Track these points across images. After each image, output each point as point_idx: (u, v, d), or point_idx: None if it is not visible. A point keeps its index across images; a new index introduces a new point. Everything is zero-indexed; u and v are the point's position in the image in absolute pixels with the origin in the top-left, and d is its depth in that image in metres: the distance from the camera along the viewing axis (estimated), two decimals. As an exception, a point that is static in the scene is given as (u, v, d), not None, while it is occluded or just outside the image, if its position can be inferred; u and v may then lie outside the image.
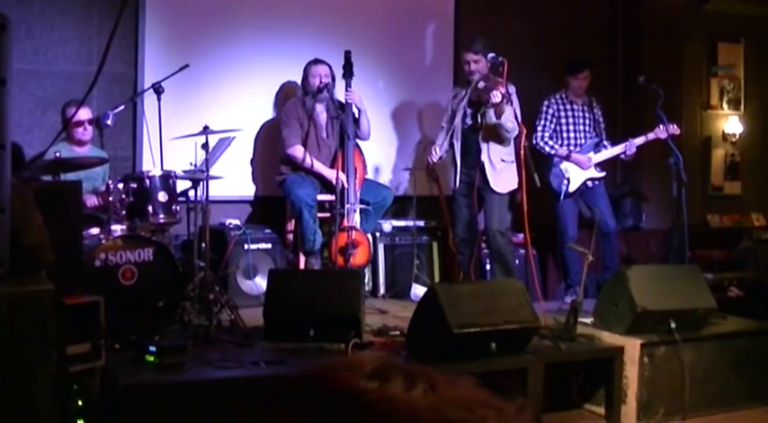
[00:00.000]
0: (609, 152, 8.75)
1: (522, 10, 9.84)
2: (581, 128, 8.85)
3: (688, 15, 10.73)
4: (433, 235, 9.11)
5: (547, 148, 8.73)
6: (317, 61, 8.24)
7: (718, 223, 10.89)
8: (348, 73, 8.04)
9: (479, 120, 7.91)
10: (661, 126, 8.48)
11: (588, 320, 6.79)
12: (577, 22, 10.20)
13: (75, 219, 5.61)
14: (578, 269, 7.33)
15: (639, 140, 8.60)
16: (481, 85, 7.75)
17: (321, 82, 8.10)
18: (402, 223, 9.08)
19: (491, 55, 7.73)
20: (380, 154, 9.28)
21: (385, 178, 9.17)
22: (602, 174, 8.78)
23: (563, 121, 8.83)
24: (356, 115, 8.24)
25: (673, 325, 6.38)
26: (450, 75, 9.53)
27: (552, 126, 8.82)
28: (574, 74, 8.85)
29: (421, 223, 9.06)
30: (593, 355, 6.47)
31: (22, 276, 3.89)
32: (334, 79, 8.19)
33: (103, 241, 6.33)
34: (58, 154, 6.39)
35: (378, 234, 8.80)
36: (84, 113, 7.37)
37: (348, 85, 8.06)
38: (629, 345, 6.35)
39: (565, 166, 8.69)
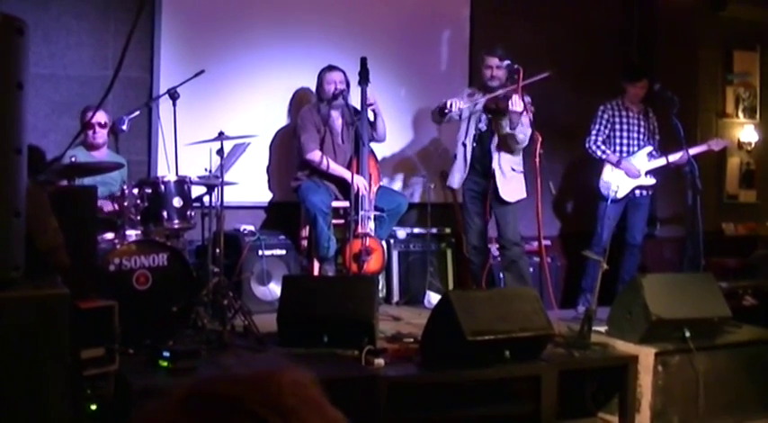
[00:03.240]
0: (661, 161, 8.75)
1: (537, 15, 9.83)
2: (634, 135, 8.90)
3: (703, 22, 10.70)
4: (447, 242, 9.11)
5: (599, 153, 8.79)
6: (331, 68, 8.24)
7: (732, 231, 10.85)
8: (364, 79, 8.02)
9: (493, 127, 7.91)
10: (716, 139, 8.73)
11: (602, 328, 6.78)
12: (593, 28, 10.19)
13: (89, 223, 5.62)
14: (595, 275, 7.33)
15: (693, 151, 8.62)
16: (500, 93, 7.74)
17: (336, 88, 8.10)
18: (416, 230, 9.07)
19: (506, 62, 7.74)
20: (395, 161, 9.28)
21: (399, 185, 9.16)
22: (653, 182, 8.81)
23: (617, 127, 8.87)
24: (372, 119, 8.24)
25: (687, 333, 6.37)
26: (465, 80, 9.51)
27: (606, 131, 8.86)
28: (632, 82, 8.91)
29: (435, 230, 9.06)
30: (607, 363, 6.45)
31: (38, 280, 3.90)
32: (348, 85, 8.20)
33: (118, 246, 6.34)
34: (73, 158, 6.40)
35: (392, 241, 8.80)
36: (97, 116, 7.38)
37: (364, 92, 8.05)
38: (643, 353, 6.33)
39: (615, 172, 8.71)
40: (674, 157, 8.65)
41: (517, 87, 7.54)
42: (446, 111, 7.74)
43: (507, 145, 7.87)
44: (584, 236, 8.84)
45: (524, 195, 8.03)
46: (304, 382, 1.21)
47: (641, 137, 8.91)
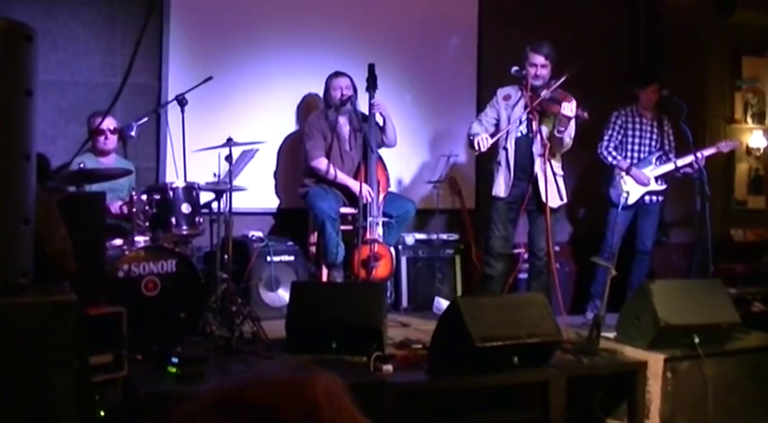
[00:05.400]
0: (669, 165, 8.73)
1: (544, 23, 9.80)
2: (646, 142, 8.89)
3: (711, 28, 10.69)
4: (455, 248, 9.07)
5: (609, 158, 8.78)
6: (338, 74, 8.25)
7: (741, 237, 10.81)
8: (372, 86, 8.02)
9: (534, 128, 7.73)
10: (725, 141, 8.89)
11: (611, 334, 6.77)
12: (600, 35, 10.17)
13: (98, 229, 5.62)
14: (604, 281, 7.30)
15: (702, 154, 8.60)
16: (546, 94, 7.56)
17: (343, 94, 8.10)
18: (425, 236, 9.06)
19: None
20: (403, 166, 9.27)
21: (408, 191, 9.14)
22: (663, 187, 8.79)
23: (629, 133, 8.87)
24: (381, 123, 8.23)
25: (696, 339, 6.35)
26: (473, 87, 9.52)
27: (618, 137, 8.85)
28: (642, 87, 8.88)
29: (444, 236, 9.04)
30: (616, 370, 6.43)
31: (46, 286, 3.90)
32: (356, 91, 8.19)
33: (126, 252, 6.34)
34: (82, 165, 6.41)
35: (400, 247, 8.78)
36: (107, 122, 7.39)
37: (371, 98, 8.04)
38: (651, 359, 6.31)
39: (625, 179, 8.70)
40: (682, 161, 8.64)
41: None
42: (482, 149, 7.60)
43: (550, 148, 7.76)
44: (594, 242, 8.82)
45: (565, 200, 7.90)
46: (337, 390, 1.20)
47: (653, 144, 8.89)
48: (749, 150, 11.00)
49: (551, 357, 6.09)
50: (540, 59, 7.72)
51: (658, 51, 10.48)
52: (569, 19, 10.02)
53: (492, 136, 7.67)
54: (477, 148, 7.59)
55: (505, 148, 7.77)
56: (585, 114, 7.46)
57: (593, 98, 9.04)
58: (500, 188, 7.80)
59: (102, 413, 4.83)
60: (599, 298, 8.04)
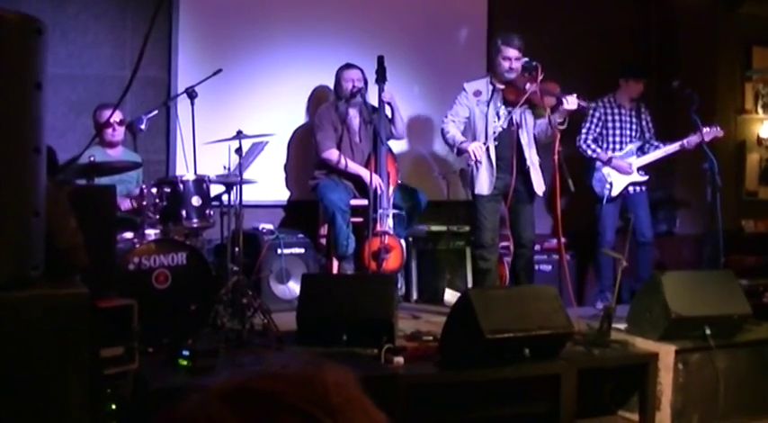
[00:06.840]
0: (651, 155, 8.73)
1: (554, 16, 9.81)
2: (627, 132, 8.86)
3: (722, 20, 10.66)
4: (466, 240, 9.06)
5: (589, 152, 8.74)
6: (349, 66, 8.25)
7: (752, 229, 10.79)
8: (381, 78, 8.02)
9: (516, 120, 7.68)
10: (706, 129, 8.50)
11: (622, 326, 6.75)
12: (610, 27, 10.16)
13: (108, 222, 5.62)
14: (610, 274, 7.27)
15: (673, 147, 8.57)
16: (533, 87, 7.47)
17: (354, 86, 8.10)
18: (435, 228, 9.05)
19: (525, 59, 7.64)
20: (414, 158, 9.28)
21: (418, 183, 9.12)
22: (645, 178, 8.78)
23: (609, 125, 8.83)
24: (390, 115, 8.23)
25: (707, 331, 6.34)
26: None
27: (597, 129, 8.81)
28: (635, 78, 8.83)
29: (454, 228, 9.03)
30: (627, 362, 6.43)
31: (57, 280, 3.90)
32: (366, 83, 8.19)
33: (137, 245, 6.35)
34: (92, 158, 6.41)
35: (411, 239, 8.76)
36: (115, 114, 7.39)
37: (381, 91, 8.04)
38: (663, 351, 6.30)
39: (607, 170, 8.67)
40: (667, 150, 8.64)
41: (536, 83, 7.45)
42: (471, 160, 7.57)
43: (532, 137, 7.73)
44: (584, 234, 8.80)
45: (545, 187, 7.89)
46: (347, 381, 1.20)
47: (633, 134, 8.87)
48: (760, 140, 10.98)
49: (562, 349, 6.08)
50: (513, 52, 7.65)
51: (669, 44, 10.45)
52: (579, 11, 10.00)
53: (475, 137, 7.72)
54: (474, 158, 7.53)
55: (488, 147, 7.66)
56: (591, 104, 7.40)
57: (603, 91, 9.04)
58: (483, 186, 7.69)
59: (114, 406, 4.83)
60: (608, 290, 8.03)
